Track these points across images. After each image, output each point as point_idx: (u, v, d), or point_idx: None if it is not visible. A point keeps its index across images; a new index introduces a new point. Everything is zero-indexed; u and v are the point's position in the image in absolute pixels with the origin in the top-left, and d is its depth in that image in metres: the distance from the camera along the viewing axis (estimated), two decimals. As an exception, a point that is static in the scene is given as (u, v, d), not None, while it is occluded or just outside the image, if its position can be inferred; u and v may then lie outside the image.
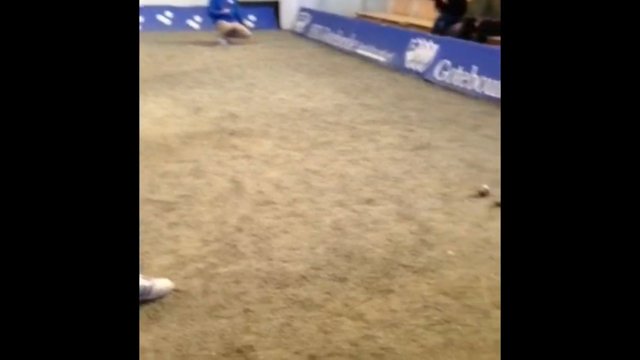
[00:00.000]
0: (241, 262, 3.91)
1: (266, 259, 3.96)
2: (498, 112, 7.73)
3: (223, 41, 13.55)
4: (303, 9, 15.93)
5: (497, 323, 3.25)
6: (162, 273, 3.69)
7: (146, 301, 3.34)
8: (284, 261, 3.93)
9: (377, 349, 3.04)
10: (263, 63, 11.30)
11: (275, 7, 16.94)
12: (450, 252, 4.06)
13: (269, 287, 3.61)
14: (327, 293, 3.56)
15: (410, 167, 5.77)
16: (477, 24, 10.21)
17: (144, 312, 3.25)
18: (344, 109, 7.93)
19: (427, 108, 8.01)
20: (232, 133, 6.83)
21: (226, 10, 13.60)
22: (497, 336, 3.13)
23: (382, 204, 4.86)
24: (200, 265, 3.86)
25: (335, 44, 13.07)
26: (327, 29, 13.91)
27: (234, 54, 12.47)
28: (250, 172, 5.57)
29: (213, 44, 13.55)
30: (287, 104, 8.20)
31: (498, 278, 3.72)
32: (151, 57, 11.73)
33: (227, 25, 13.58)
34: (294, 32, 15.95)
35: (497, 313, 3.34)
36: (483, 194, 4.98)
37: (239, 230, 4.38)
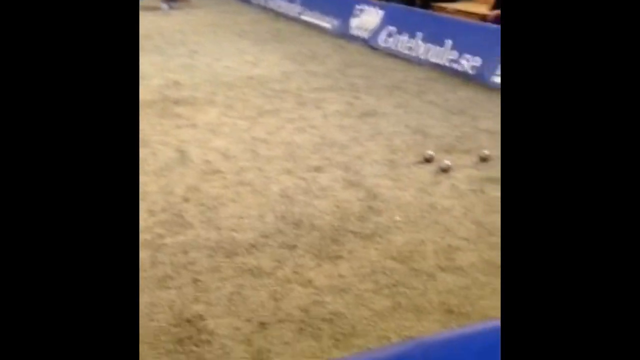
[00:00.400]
0: (189, 232, 3.88)
1: (214, 228, 3.94)
2: (442, 78, 7.84)
3: (164, 6, 13.18)
4: (246, -26, 15.59)
5: (442, 285, 3.35)
6: (108, 245, 3.63)
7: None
8: (233, 230, 3.93)
9: (326, 314, 3.09)
10: (206, 29, 11.07)
11: (218, -29, 16.53)
12: (397, 218, 4.14)
13: (218, 257, 3.61)
14: (277, 261, 3.58)
15: (356, 134, 5.80)
16: (421, -10, 10.25)
17: (90, 285, 3.21)
18: (290, 77, 7.88)
19: (372, 75, 8.04)
20: (176, 102, 6.70)
21: (167, -26, 13.20)
22: (442, 298, 3.23)
23: (330, 171, 4.89)
24: (147, 237, 3.82)
25: (280, 9, 12.90)
26: (272, -6, 13.69)
27: (176, 19, 12.16)
28: (196, 141, 5.50)
29: (154, 9, 13.16)
30: (232, 71, 8.08)
31: (443, 242, 3.82)
32: (89, 22, 11.29)
33: (168, -11, 13.19)
34: (237, -2, 15.63)
35: (443, 275, 3.44)
36: (428, 160, 5.07)
37: (186, 200, 4.34)
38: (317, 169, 4.94)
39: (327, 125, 6.04)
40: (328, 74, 8.03)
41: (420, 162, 5.11)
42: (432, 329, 2.97)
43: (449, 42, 8.15)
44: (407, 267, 3.53)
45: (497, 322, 1.94)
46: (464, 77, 7.76)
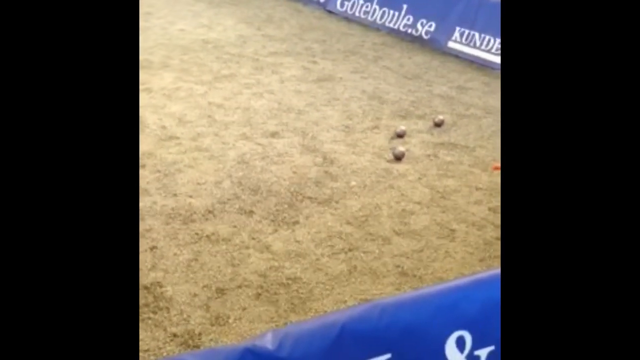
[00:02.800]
0: (145, 199, 3.85)
1: (171, 195, 3.92)
2: (398, 43, 7.85)
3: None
4: None
5: (397, 249, 3.43)
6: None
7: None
8: (190, 196, 3.92)
9: (284, 279, 3.14)
10: (159, -10, 10.76)
11: None
12: (353, 183, 4.19)
13: (175, 223, 3.60)
14: (234, 226, 3.60)
15: (313, 99, 5.80)
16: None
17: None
18: (247, 41, 7.77)
19: (329, 39, 8.00)
20: (130, 65, 6.54)
21: None
22: (397, 261, 3.31)
23: (287, 137, 4.90)
24: (102, 204, 3.77)
25: (235, -30, 12.61)
26: (226, -46, 13.35)
27: (128, -21, 11.76)
28: (151, 106, 5.41)
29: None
30: (187, 34, 7.91)
31: (397, 206, 3.89)
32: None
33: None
34: (191, -43, 15.20)
35: (397, 239, 3.52)
36: (400, 136, 4.93)
37: (142, 166, 4.29)
38: (274, 135, 4.93)
39: (284, 90, 6.01)
40: (285, 38, 7.95)
41: (376, 127, 5.15)
42: (387, 291, 3.05)
43: (404, 7, 8.14)
44: (363, 232, 3.59)
45: (449, 284, 2.01)
46: (419, 42, 7.79)
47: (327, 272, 3.21)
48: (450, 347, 1.78)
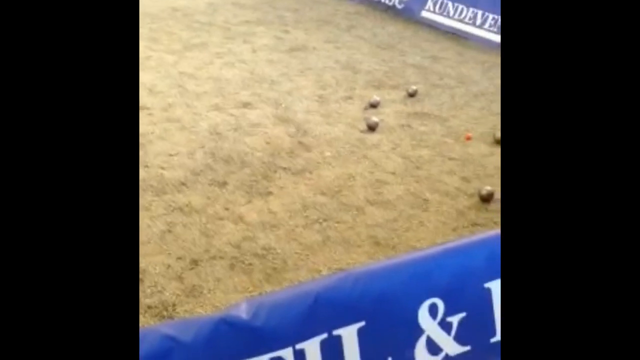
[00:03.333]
0: (116, 171, 3.79)
1: (143, 166, 3.87)
2: (371, 13, 7.79)
3: None
4: None
5: (370, 219, 3.44)
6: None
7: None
8: (162, 168, 3.87)
9: (258, 249, 3.14)
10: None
11: None
12: (327, 153, 4.18)
13: (148, 195, 3.56)
14: (207, 198, 3.57)
15: (286, 69, 5.74)
16: None
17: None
18: (217, 9, 7.64)
19: (301, 8, 7.90)
20: (98, 34, 6.39)
21: None
22: (371, 231, 3.33)
23: (260, 107, 4.85)
24: (72, 176, 3.71)
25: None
26: None
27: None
28: (120, 76, 5.30)
29: None
30: (156, 2, 7.74)
31: (371, 176, 3.90)
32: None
33: None
34: None
35: (371, 209, 3.54)
36: (374, 105, 4.92)
37: (112, 137, 4.21)
38: (247, 105, 4.88)
39: (256, 60, 5.94)
40: (256, 7, 7.84)
41: (349, 97, 5.13)
42: (360, 261, 3.07)
43: (378, -25, 8.06)
44: (337, 202, 3.60)
45: (422, 253, 2.03)
46: (392, 11, 7.74)
47: (302, 242, 3.22)
48: (423, 314, 1.81)
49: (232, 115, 4.69)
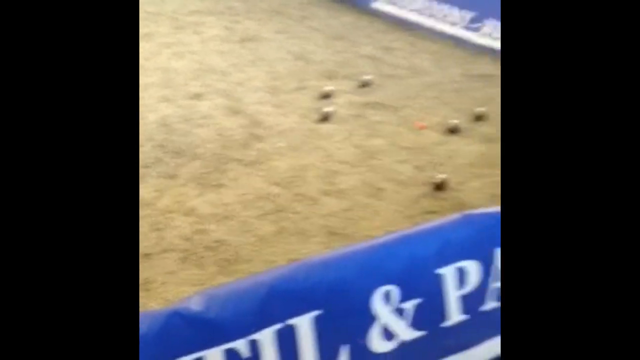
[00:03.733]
0: (62, 164, 3.68)
1: (90, 159, 3.76)
2: (324, 3, 7.77)
3: None
4: None
5: (324, 209, 3.43)
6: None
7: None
8: (110, 161, 3.77)
9: (211, 242, 3.09)
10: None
11: None
12: (279, 144, 4.14)
13: (95, 189, 3.46)
14: (157, 191, 3.50)
15: (237, 60, 5.67)
16: None
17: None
18: (166, -1, 7.49)
19: (253, -2, 7.83)
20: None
21: None
22: (325, 221, 3.32)
23: (210, 99, 4.78)
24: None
25: None
26: None
27: None
28: (65, 67, 5.14)
29: None
30: (102, -9, 7.54)
31: (325, 166, 3.89)
32: None
33: None
34: None
35: (325, 199, 3.52)
36: (327, 96, 4.97)
37: (57, 130, 4.09)
38: (197, 97, 4.80)
39: (206, 50, 5.84)
40: (206, -3, 7.71)
41: (302, 88, 5.10)
42: (315, 250, 3.05)
43: (329, -34, 8.03)
44: (291, 193, 3.57)
45: (375, 241, 2.03)
46: (345, 2, 7.73)
47: (255, 233, 3.18)
48: (377, 301, 1.81)
49: (181, 106, 4.60)
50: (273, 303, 1.71)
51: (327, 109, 4.57)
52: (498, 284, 1.99)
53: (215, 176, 3.68)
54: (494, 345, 2.00)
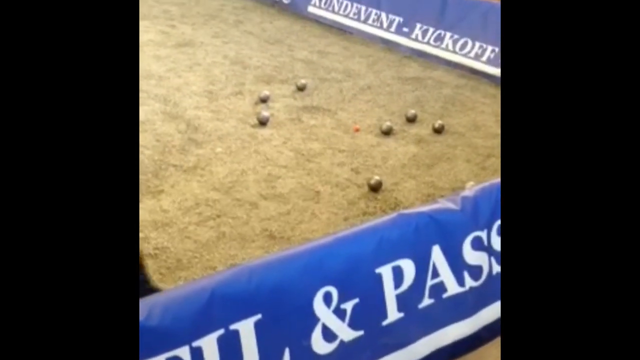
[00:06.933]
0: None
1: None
2: (259, 8, 7.79)
3: None
4: None
5: (264, 213, 3.46)
6: None
7: None
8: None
9: (151, 249, 3.07)
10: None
11: None
12: (218, 149, 4.15)
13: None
14: (94, 199, 3.44)
15: (174, 64, 5.63)
16: None
17: None
18: (98, 2, 7.34)
19: (187, 2, 7.76)
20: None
21: None
22: (265, 225, 3.35)
23: (147, 104, 4.72)
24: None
25: None
26: None
27: None
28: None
29: None
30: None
31: (264, 170, 3.92)
32: None
33: None
34: None
35: (264, 203, 3.56)
36: (264, 100, 4.97)
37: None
38: (133, 102, 4.74)
39: (142, 56, 5.76)
40: (140, 1, 7.59)
41: (239, 93, 5.12)
42: (256, 255, 3.08)
43: (264, -30, 8.06)
44: (230, 198, 3.59)
45: (314, 243, 2.08)
46: (280, 6, 7.78)
47: (196, 239, 3.18)
48: (317, 303, 1.85)
49: (117, 112, 4.53)
50: (215, 308, 1.72)
51: (265, 113, 4.61)
52: (434, 281, 2.07)
53: (154, 182, 3.66)
54: (431, 340, 2.08)
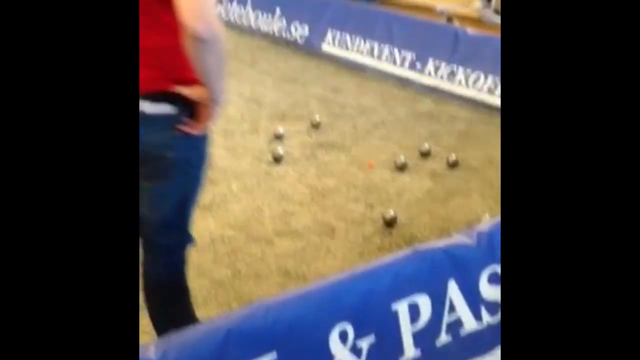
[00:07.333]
0: None
1: None
2: (273, 47, 7.92)
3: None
4: None
5: (279, 249, 3.47)
6: None
7: None
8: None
9: (166, 287, 3.07)
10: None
11: None
12: (234, 187, 4.18)
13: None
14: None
15: (189, 104, 5.71)
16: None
17: None
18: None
19: (203, 43, 7.90)
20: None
21: None
22: (280, 262, 3.35)
23: (163, 143, 4.78)
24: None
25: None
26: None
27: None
28: None
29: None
30: None
31: (279, 207, 3.94)
32: None
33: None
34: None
35: (279, 240, 3.56)
36: (278, 137, 5.04)
37: None
38: (150, 141, 4.80)
39: (158, 95, 5.87)
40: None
41: (254, 130, 5.17)
42: (271, 292, 3.07)
43: (277, 11, 8.22)
44: (245, 235, 3.60)
45: (330, 279, 2.07)
46: (294, 46, 7.90)
47: (210, 277, 3.18)
48: (333, 340, 1.84)
49: (134, 152, 4.59)
50: (231, 346, 1.72)
51: (280, 150, 4.64)
52: (451, 317, 2.05)
53: (170, 221, 3.68)
54: (448, 377, 2.05)
